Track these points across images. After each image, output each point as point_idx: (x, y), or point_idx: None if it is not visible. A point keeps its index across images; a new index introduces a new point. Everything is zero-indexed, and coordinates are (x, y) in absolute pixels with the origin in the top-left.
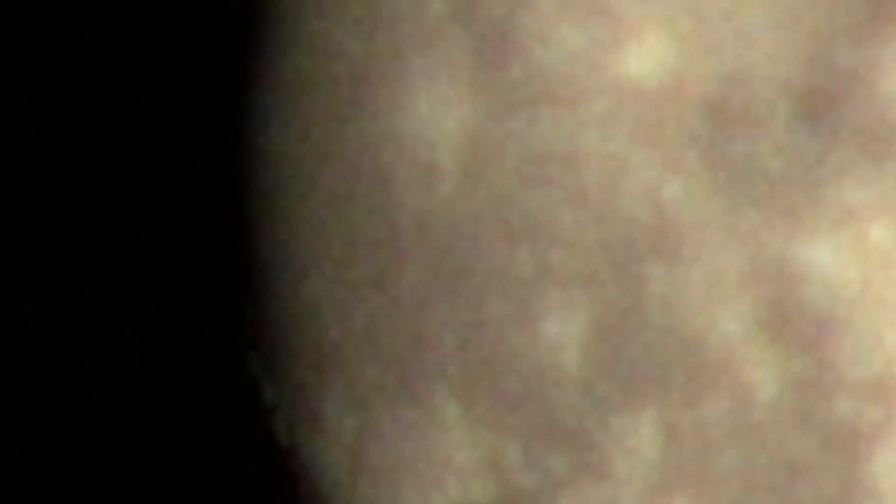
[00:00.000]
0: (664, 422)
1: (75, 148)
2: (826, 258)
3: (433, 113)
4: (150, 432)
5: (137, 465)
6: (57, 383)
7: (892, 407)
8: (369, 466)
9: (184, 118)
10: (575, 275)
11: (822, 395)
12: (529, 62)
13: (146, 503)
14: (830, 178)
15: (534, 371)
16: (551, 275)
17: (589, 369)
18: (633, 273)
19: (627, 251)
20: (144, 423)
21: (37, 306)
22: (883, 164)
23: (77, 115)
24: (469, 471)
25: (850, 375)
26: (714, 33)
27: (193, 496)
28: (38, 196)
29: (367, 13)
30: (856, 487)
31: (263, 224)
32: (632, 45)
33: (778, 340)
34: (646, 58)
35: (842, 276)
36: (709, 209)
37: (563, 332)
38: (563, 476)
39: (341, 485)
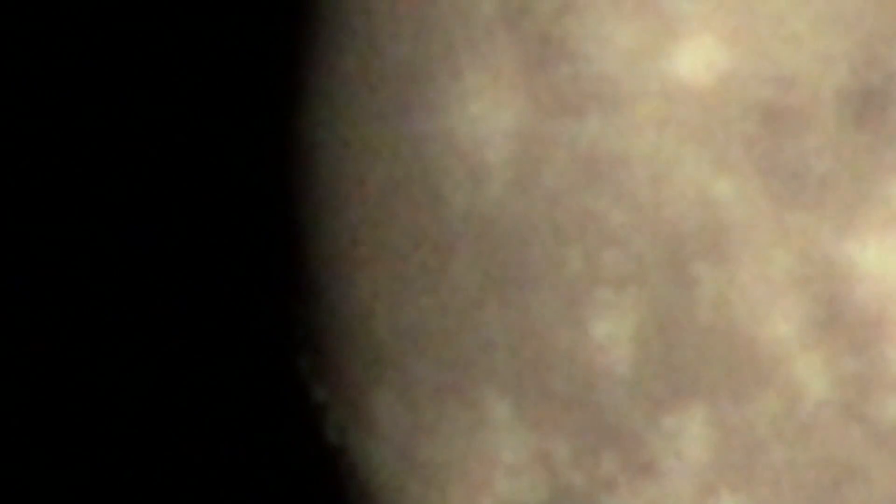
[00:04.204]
0: (714, 421)
1: (130, 146)
2: (875, 258)
3: (483, 113)
4: (199, 431)
5: (186, 463)
6: (105, 380)
7: None
8: (419, 466)
9: (234, 116)
10: (625, 274)
11: (871, 394)
12: (579, 62)
13: (194, 501)
14: (880, 178)
15: (583, 371)
16: (601, 275)
17: (639, 369)
18: (683, 273)
19: (677, 251)
20: (194, 422)
21: (87, 304)
22: None
23: (130, 112)
24: (518, 470)
25: None
26: (765, 34)
27: (243, 496)
28: (91, 191)
29: (415, 13)
30: None
31: (313, 223)
32: (682, 46)
33: (828, 340)
34: (696, 58)
35: (891, 275)
36: (759, 209)
37: (613, 331)
38: (612, 476)
39: (391, 484)
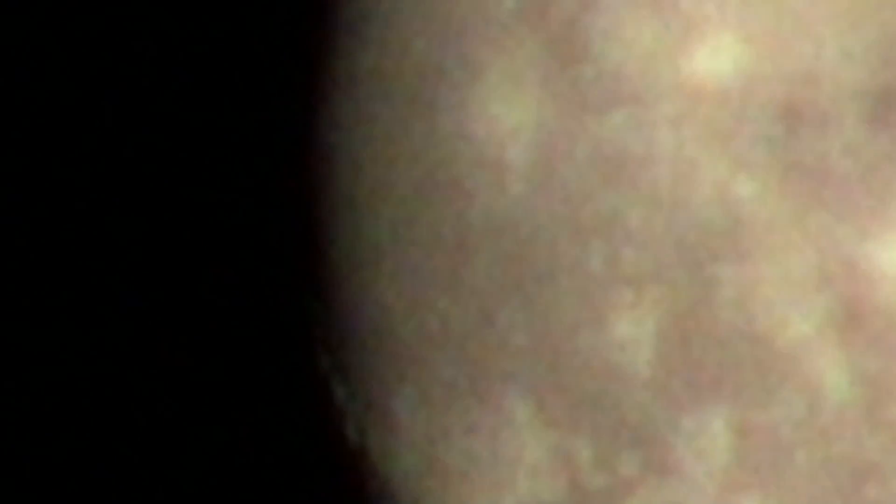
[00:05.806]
0: (735, 422)
1: (151, 148)
2: None
3: (504, 112)
4: (221, 431)
5: (208, 462)
6: (128, 379)
7: None
8: (439, 466)
9: (253, 117)
10: (646, 274)
11: (892, 395)
12: (600, 61)
13: (216, 502)
14: None
15: (604, 371)
16: (622, 274)
17: (660, 369)
18: (704, 273)
19: (699, 251)
20: (215, 421)
21: (108, 304)
22: None
23: (150, 114)
24: (539, 471)
25: None
26: (786, 34)
27: (264, 495)
28: (118, 193)
29: (436, 12)
30: None
31: (334, 223)
32: (704, 45)
33: (849, 340)
34: (718, 58)
35: None
36: (780, 209)
37: (634, 331)
38: (633, 476)
39: (411, 484)
